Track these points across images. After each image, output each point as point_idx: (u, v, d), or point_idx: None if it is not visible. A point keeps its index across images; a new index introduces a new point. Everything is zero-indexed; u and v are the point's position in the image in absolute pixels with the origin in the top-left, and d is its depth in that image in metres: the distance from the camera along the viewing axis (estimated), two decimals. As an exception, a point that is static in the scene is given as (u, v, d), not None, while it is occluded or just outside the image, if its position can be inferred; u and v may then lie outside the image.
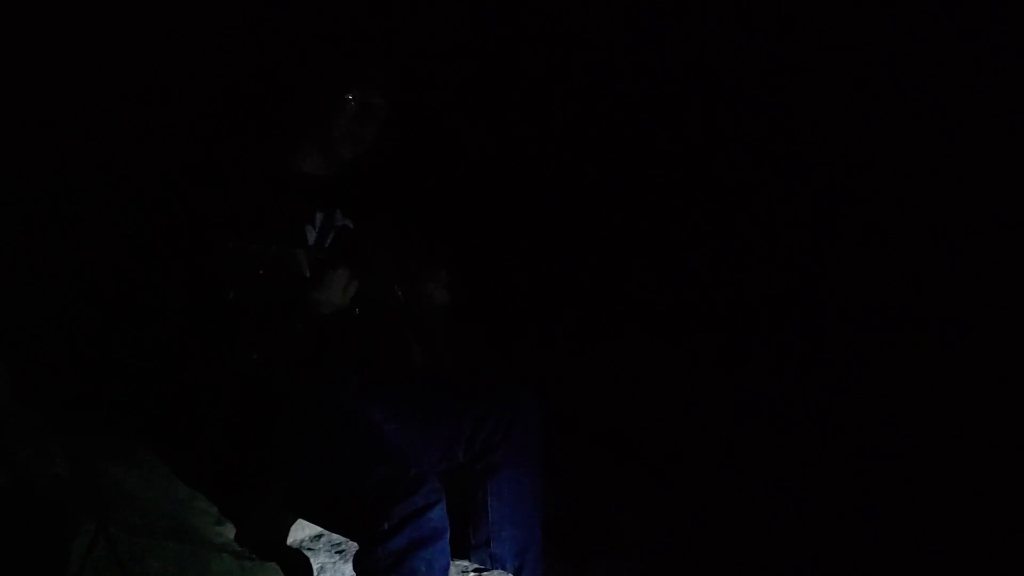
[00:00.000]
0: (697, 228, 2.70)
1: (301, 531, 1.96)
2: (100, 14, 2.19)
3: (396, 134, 2.00)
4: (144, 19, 2.23)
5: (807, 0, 2.43)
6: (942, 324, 2.36)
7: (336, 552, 1.94)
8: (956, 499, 2.23)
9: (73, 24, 2.18)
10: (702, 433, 2.54)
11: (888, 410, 2.37)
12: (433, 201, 2.45)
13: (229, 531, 1.80)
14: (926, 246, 2.41)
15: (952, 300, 2.36)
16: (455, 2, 2.53)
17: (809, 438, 2.42)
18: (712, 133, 2.66)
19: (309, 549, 1.95)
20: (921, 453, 2.29)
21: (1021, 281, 2.29)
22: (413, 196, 2.22)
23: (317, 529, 1.97)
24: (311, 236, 1.89)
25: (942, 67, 2.35)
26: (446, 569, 1.67)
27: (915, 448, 2.31)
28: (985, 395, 2.29)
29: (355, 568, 1.68)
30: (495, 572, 1.91)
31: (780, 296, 2.57)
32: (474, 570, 1.91)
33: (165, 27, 2.25)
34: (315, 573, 1.90)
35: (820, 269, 2.52)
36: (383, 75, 1.96)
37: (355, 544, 1.74)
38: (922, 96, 2.39)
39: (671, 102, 2.66)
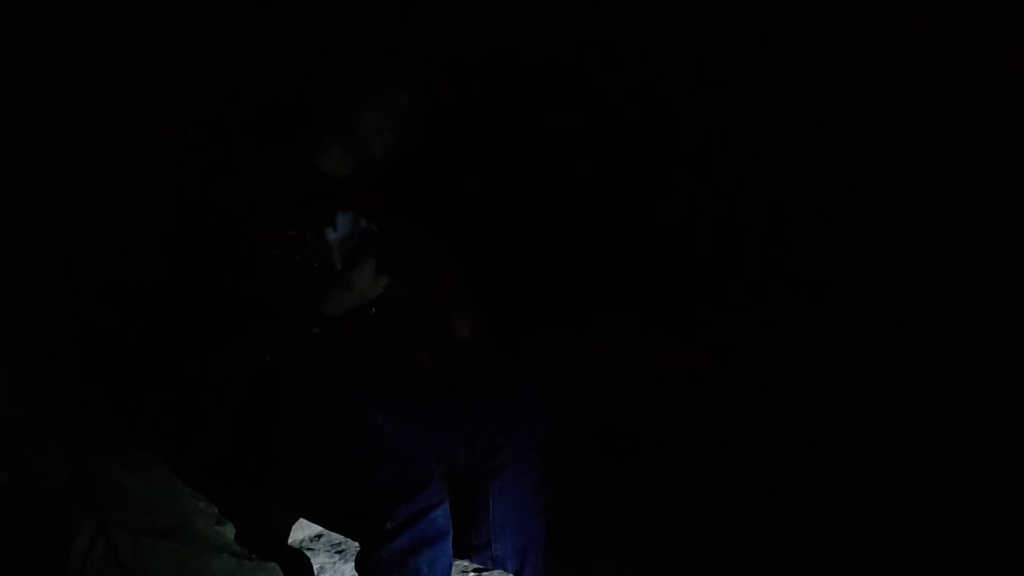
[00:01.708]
0: (697, 228, 2.69)
1: (301, 531, 1.96)
2: (135, 16, 2.19)
3: (418, 134, 2.00)
4: (175, 21, 2.23)
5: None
6: (942, 322, 2.36)
7: (336, 552, 1.94)
8: (957, 499, 2.23)
9: (107, 25, 2.18)
10: (703, 433, 2.53)
11: (889, 409, 2.37)
12: (436, 201, 2.45)
13: (229, 531, 1.80)
14: (926, 243, 2.40)
15: (952, 299, 2.36)
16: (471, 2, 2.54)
17: (810, 438, 2.42)
18: (709, 131, 2.65)
19: (309, 549, 1.95)
20: (922, 452, 2.29)
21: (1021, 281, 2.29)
22: (418, 196, 2.22)
23: (317, 529, 1.96)
24: (331, 237, 1.88)
25: (942, 67, 2.35)
26: (448, 569, 1.67)
27: (916, 447, 2.31)
28: (985, 395, 2.29)
29: (357, 568, 1.68)
30: (496, 572, 1.91)
31: (781, 297, 2.56)
32: (474, 570, 1.91)
33: (194, 29, 2.25)
34: (315, 573, 1.90)
35: (821, 267, 2.52)
36: (407, 73, 1.96)
37: (355, 544, 1.74)
38: (922, 95, 2.39)
39: (671, 101, 2.66)
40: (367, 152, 1.96)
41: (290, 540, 1.94)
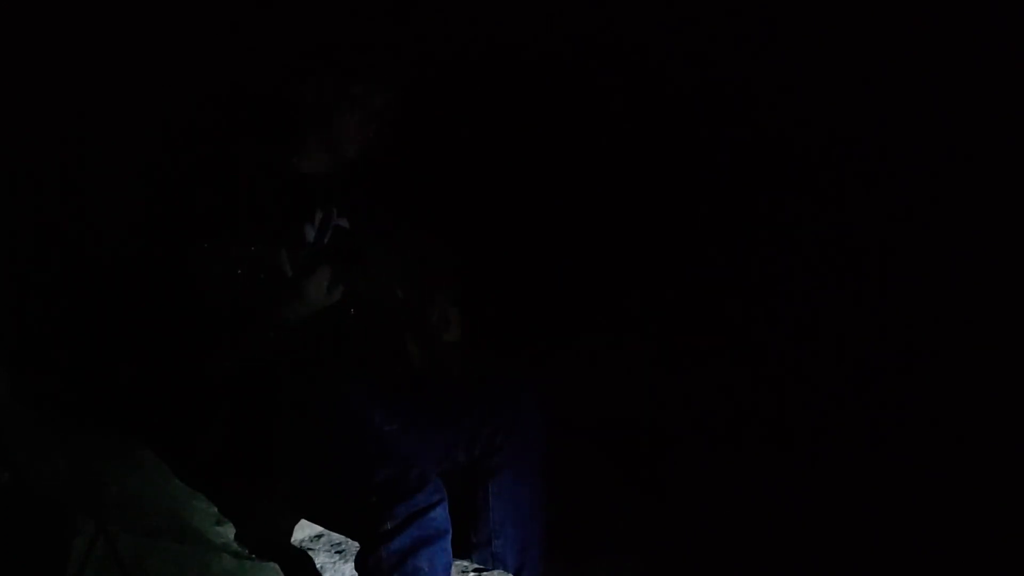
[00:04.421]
0: (698, 228, 2.69)
1: (301, 531, 1.96)
2: (108, 15, 2.19)
3: (398, 133, 2.00)
4: (149, 19, 2.23)
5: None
6: (943, 322, 2.36)
7: (336, 552, 1.94)
8: (957, 499, 2.23)
9: (79, 24, 2.18)
10: (702, 433, 2.54)
11: (889, 409, 2.37)
12: (434, 200, 2.45)
13: (229, 531, 1.80)
14: (928, 242, 2.41)
15: (952, 298, 2.36)
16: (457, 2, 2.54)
17: (810, 438, 2.42)
18: (709, 131, 2.66)
19: (309, 549, 1.95)
20: (922, 452, 2.29)
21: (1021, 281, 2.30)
22: (414, 195, 2.22)
23: (317, 529, 1.96)
24: (310, 235, 1.88)
25: (942, 67, 2.36)
26: (448, 568, 1.67)
27: (916, 447, 2.31)
28: (985, 395, 2.29)
29: (357, 568, 1.68)
30: (496, 572, 1.91)
31: (781, 298, 2.57)
32: (474, 570, 1.91)
33: (168, 27, 2.25)
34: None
35: (820, 268, 2.52)
36: (386, 73, 1.96)
37: (355, 544, 1.74)
38: (923, 96, 2.39)
39: (670, 102, 2.66)
40: (348, 152, 1.96)
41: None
